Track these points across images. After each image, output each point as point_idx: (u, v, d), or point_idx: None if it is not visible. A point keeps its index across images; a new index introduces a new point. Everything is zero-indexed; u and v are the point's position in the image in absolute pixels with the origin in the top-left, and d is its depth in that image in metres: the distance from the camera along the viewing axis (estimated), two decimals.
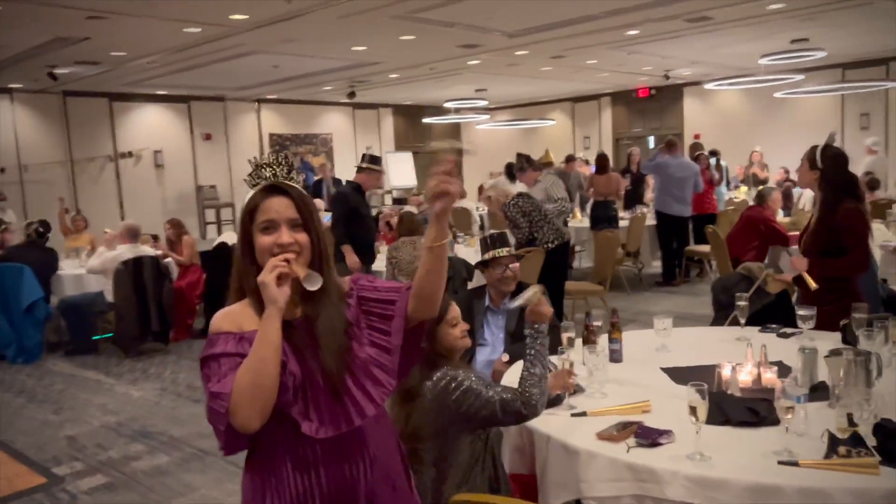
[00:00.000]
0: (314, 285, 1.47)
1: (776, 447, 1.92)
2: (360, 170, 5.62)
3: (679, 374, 2.65)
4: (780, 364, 2.61)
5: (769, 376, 2.49)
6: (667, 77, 14.15)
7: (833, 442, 1.87)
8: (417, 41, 9.06)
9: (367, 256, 5.71)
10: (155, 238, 7.69)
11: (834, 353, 2.26)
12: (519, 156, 6.95)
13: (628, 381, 2.61)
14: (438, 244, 1.49)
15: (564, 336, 2.78)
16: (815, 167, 3.49)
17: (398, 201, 8.82)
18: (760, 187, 8.20)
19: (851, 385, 2.10)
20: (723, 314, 3.74)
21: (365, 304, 1.58)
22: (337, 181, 12.04)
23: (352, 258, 5.50)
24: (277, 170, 1.58)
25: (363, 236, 5.64)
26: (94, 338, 6.68)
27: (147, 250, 6.56)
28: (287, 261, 1.46)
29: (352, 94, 13.41)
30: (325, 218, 8.12)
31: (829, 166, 3.44)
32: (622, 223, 8.36)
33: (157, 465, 3.95)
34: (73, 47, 8.42)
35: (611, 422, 2.16)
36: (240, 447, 1.48)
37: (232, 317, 1.53)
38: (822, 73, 13.20)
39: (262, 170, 1.58)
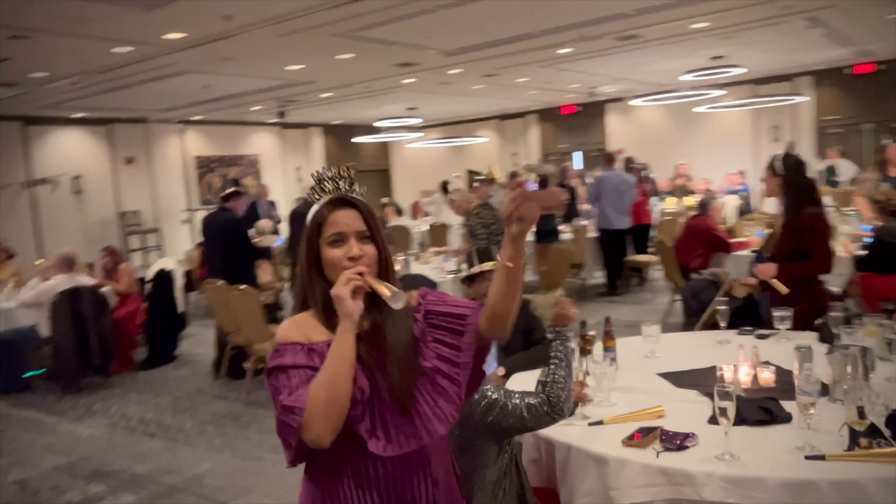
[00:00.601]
0: (399, 303, 1.44)
1: (798, 443, 1.98)
2: None
3: (678, 379, 2.71)
4: (767, 364, 2.71)
5: (766, 376, 2.58)
6: (592, 94, 14.59)
7: (853, 434, 1.94)
8: (355, 60, 9.01)
9: None
10: (90, 266, 7.31)
11: (833, 350, 2.36)
12: (470, 172, 7.02)
13: (631, 388, 2.64)
14: (515, 264, 1.47)
15: (590, 334, 2.83)
16: (777, 174, 3.67)
17: None
18: (693, 197, 8.53)
19: (857, 379, 2.20)
20: (693, 319, 3.86)
21: (432, 317, 1.56)
22: (271, 204, 11.79)
23: None
24: (340, 183, 1.56)
25: None
26: (26, 375, 6.27)
27: (85, 280, 6.22)
28: (360, 273, 1.44)
29: (282, 114, 13.20)
30: (279, 241, 7.95)
31: (790, 172, 3.62)
32: (565, 236, 8.53)
33: None
34: None
35: (629, 429, 2.19)
36: (303, 459, 1.46)
37: (299, 327, 1.51)
38: (736, 88, 13.92)
39: (325, 183, 1.56)
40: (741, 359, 2.71)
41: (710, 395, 2.45)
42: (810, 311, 3.26)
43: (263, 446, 4.41)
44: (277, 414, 1.39)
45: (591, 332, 2.95)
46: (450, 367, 1.51)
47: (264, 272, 7.60)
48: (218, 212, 6.04)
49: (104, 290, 6.47)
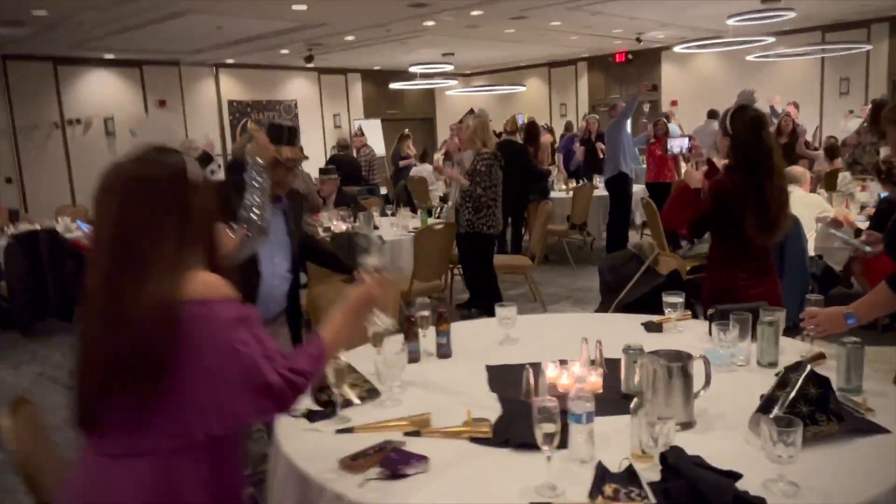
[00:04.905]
0: None
1: (540, 481, 1.52)
2: None
3: (501, 375, 2.24)
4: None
5: (593, 380, 2.09)
6: (639, 40, 13.58)
7: (601, 477, 1.47)
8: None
9: None
10: None
11: (648, 354, 1.85)
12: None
13: (437, 383, 2.21)
14: None
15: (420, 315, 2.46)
16: (726, 133, 3.05)
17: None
18: None
19: (656, 396, 1.71)
20: (610, 298, 3.33)
21: None
22: None
23: None
24: None
25: None
26: None
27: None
28: None
29: (309, 59, 12.85)
30: None
31: (741, 130, 2.98)
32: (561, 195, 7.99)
33: None
34: None
35: (375, 440, 1.77)
36: None
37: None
38: (800, 35, 12.66)
39: None
40: (584, 354, 2.22)
41: (505, 400, 2.02)
42: (715, 295, 2.74)
43: None
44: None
45: (424, 313, 2.52)
46: None
47: None
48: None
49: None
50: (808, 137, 10.97)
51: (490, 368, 2.30)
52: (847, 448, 1.64)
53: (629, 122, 8.52)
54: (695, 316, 2.85)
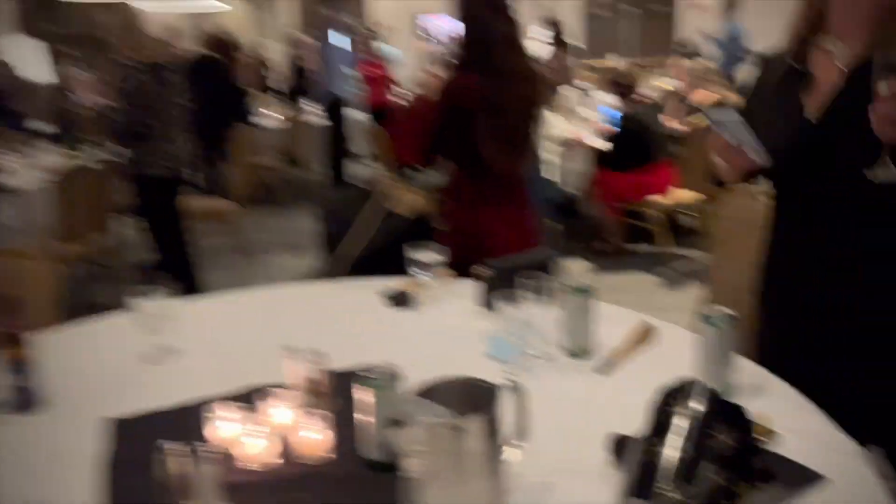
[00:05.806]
0: None
1: None
2: None
3: (132, 437, 1.15)
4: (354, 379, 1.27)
5: (313, 439, 1.12)
6: None
7: None
8: None
9: None
10: None
11: (417, 401, 0.94)
12: None
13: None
14: None
15: None
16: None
17: None
18: None
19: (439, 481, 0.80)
20: (337, 255, 2.39)
21: None
22: None
23: None
24: None
25: None
26: None
27: None
28: None
29: None
30: None
31: (469, 12, 2.19)
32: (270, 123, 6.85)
33: None
34: None
35: None
36: None
37: None
38: None
39: None
40: (292, 376, 1.23)
41: None
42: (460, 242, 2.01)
43: None
44: None
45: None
46: None
47: None
48: None
49: None
50: None
51: (114, 426, 1.20)
52: None
53: (346, 37, 7.63)
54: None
